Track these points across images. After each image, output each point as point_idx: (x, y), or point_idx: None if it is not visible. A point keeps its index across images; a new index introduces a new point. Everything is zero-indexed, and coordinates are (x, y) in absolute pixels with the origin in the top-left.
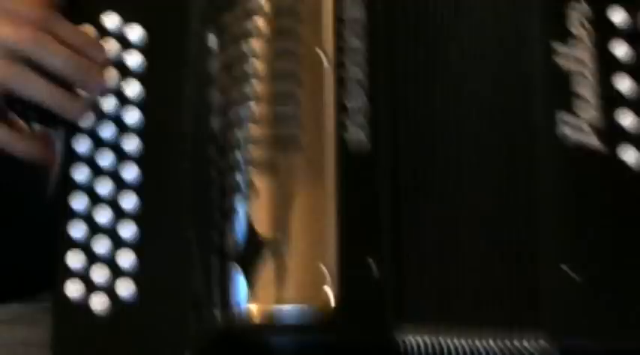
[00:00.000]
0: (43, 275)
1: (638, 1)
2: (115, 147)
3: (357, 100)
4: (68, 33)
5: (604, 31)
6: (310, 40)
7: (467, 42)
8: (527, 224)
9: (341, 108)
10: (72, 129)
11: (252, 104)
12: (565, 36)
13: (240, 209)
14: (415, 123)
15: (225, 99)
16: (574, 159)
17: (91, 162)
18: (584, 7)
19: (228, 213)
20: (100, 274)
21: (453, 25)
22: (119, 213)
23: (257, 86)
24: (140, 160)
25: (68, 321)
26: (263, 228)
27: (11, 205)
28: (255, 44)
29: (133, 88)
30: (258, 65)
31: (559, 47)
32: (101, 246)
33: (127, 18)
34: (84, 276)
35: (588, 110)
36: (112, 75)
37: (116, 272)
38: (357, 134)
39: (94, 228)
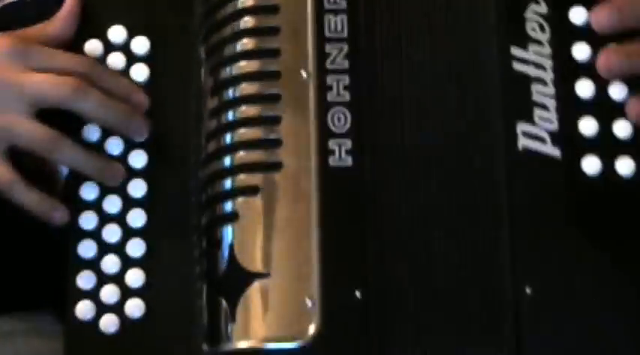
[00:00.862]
0: (44, 287)
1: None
2: (123, 164)
3: (342, 123)
4: (109, 80)
5: (565, 33)
6: (294, 61)
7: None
8: (493, 240)
9: (325, 132)
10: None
11: (240, 129)
12: (524, 40)
13: (225, 238)
14: (401, 147)
15: (213, 123)
16: (534, 171)
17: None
18: (544, 8)
19: (215, 243)
20: (109, 294)
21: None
22: (128, 231)
23: (242, 110)
24: (147, 176)
25: (79, 342)
26: (247, 259)
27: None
28: (241, 67)
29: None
30: (243, 88)
31: (518, 52)
32: (111, 264)
33: (134, 31)
34: (94, 297)
35: (548, 118)
36: None
37: (125, 291)
38: (342, 158)
39: (104, 247)
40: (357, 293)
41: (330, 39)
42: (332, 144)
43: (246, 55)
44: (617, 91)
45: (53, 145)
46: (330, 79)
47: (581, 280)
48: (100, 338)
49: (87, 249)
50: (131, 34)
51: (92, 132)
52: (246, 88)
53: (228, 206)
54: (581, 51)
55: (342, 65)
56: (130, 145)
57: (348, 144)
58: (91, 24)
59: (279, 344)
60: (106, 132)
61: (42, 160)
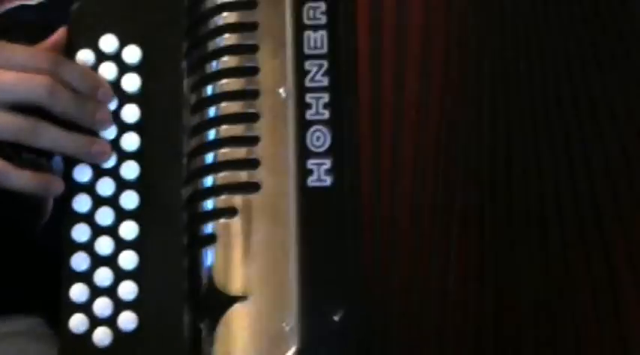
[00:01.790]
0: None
1: None
2: (115, 176)
3: (322, 142)
4: (76, 74)
5: None
6: (273, 79)
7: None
8: None
9: (304, 151)
10: (71, 160)
11: (217, 149)
12: None
13: (205, 260)
14: (382, 166)
15: (192, 141)
16: None
17: (91, 191)
18: None
19: (195, 264)
20: (102, 307)
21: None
22: (120, 243)
23: (220, 129)
24: (139, 187)
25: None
26: (225, 282)
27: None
28: (219, 85)
29: (131, 112)
30: (221, 107)
31: None
32: (104, 277)
33: (125, 40)
34: (87, 310)
35: None
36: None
37: (118, 304)
38: (321, 178)
39: (97, 259)
40: (336, 318)
41: (310, 56)
42: (310, 164)
43: (225, 73)
44: None
45: (34, 132)
46: (309, 97)
47: None
48: (94, 351)
49: (80, 261)
50: (123, 43)
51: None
52: (225, 107)
53: (207, 228)
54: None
55: (321, 82)
56: (121, 156)
57: (327, 163)
58: (82, 33)
59: None
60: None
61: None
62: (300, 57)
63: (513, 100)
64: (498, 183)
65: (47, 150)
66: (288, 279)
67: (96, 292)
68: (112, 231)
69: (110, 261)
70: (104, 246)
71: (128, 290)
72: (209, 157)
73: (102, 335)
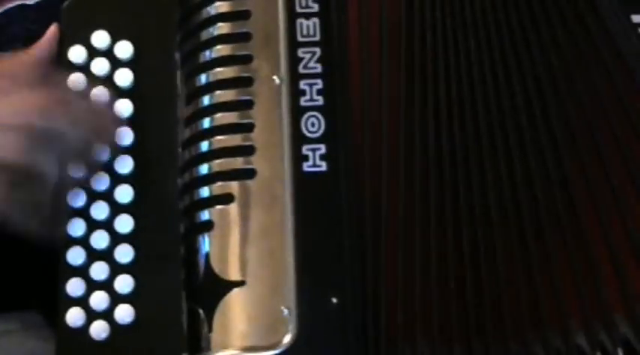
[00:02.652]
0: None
1: None
2: (110, 171)
3: (316, 128)
4: (74, 103)
5: None
6: (266, 66)
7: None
8: None
9: (299, 137)
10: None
11: (213, 137)
12: None
13: (202, 247)
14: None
15: (187, 130)
16: None
17: (86, 186)
18: None
19: (192, 252)
20: (99, 301)
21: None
22: (116, 237)
23: (216, 117)
24: (134, 181)
25: (71, 349)
26: (222, 268)
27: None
28: (213, 74)
29: (124, 106)
30: (216, 96)
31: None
32: (100, 271)
33: (117, 36)
34: (84, 304)
35: None
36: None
37: (115, 298)
38: (317, 164)
39: (92, 254)
40: (334, 300)
41: (303, 43)
42: (305, 149)
43: (219, 61)
44: None
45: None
46: (302, 84)
47: None
48: (91, 345)
49: (76, 256)
50: (114, 39)
51: None
52: (220, 95)
53: (204, 214)
54: None
55: (315, 69)
56: (116, 150)
57: (322, 149)
58: (73, 30)
59: (257, 353)
60: None
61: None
62: (293, 44)
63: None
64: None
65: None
66: (286, 264)
67: (92, 286)
68: (107, 225)
69: (106, 255)
70: (100, 240)
71: (124, 283)
72: (204, 145)
73: (99, 329)
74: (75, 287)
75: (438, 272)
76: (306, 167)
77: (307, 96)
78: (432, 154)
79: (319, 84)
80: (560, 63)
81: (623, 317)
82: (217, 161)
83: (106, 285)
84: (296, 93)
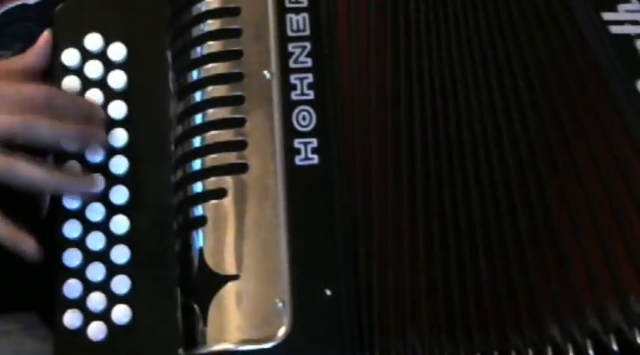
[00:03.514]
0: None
1: None
2: (104, 171)
3: (308, 122)
4: (63, 102)
5: None
6: (257, 61)
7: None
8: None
9: (291, 131)
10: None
11: (205, 132)
12: (612, 2)
13: (195, 243)
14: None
15: (180, 127)
16: None
17: None
18: None
19: (186, 247)
20: (96, 302)
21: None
22: (111, 239)
23: (207, 113)
24: (129, 182)
25: (69, 351)
26: (216, 263)
27: None
28: (204, 70)
29: (118, 108)
30: (207, 92)
31: (610, 16)
32: (96, 272)
33: (110, 38)
34: (81, 305)
35: None
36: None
37: (112, 298)
38: (309, 157)
39: (88, 255)
40: (328, 292)
41: (293, 38)
42: (297, 143)
43: (210, 58)
44: None
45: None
46: (293, 78)
47: None
48: (89, 346)
49: (72, 258)
50: (107, 42)
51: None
52: (211, 91)
53: (197, 210)
54: None
55: (305, 63)
56: (110, 151)
57: (314, 142)
58: (67, 33)
59: (252, 346)
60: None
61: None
62: (284, 39)
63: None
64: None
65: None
66: (279, 257)
67: (89, 287)
68: (102, 226)
69: (102, 256)
70: (95, 241)
71: (121, 284)
72: (197, 141)
73: (96, 330)
74: (72, 288)
75: (425, 265)
76: (298, 160)
77: (298, 91)
78: (418, 147)
79: (310, 78)
80: (534, 59)
81: (592, 310)
82: (210, 156)
83: (103, 286)
84: (287, 88)
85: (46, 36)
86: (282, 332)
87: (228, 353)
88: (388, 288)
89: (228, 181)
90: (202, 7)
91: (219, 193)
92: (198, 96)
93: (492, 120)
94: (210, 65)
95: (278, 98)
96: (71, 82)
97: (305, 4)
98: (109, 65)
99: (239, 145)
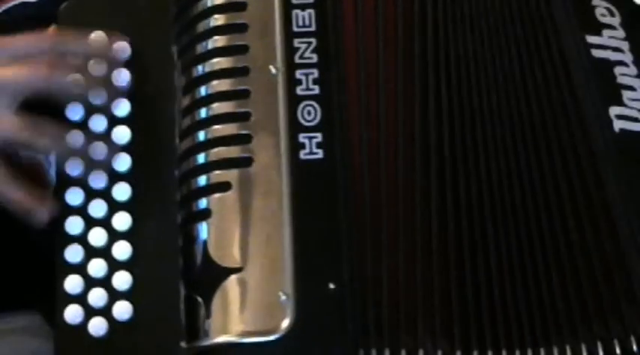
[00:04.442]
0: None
1: None
2: (108, 169)
3: (313, 117)
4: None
5: (634, 14)
6: (263, 56)
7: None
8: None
9: (296, 126)
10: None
11: (210, 126)
12: (597, 27)
13: (199, 235)
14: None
15: (185, 121)
16: (636, 151)
17: (84, 185)
18: None
19: (190, 240)
20: (97, 297)
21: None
22: (113, 234)
23: (213, 107)
24: (132, 179)
25: (70, 346)
26: (220, 255)
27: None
28: (210, 64)
29: (122, 106)
30: (213, 86)
31: (594, 39)
32: (97, 268)
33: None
34: (82, 300)
35: (637, 98)
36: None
37: (113, 294)
38: (313, 152)
39: (90, 251)
40: (331, 286)
41: (298, 33)
42: (302, 137)
43: (216, 52)
44: None
45: (34, 135)
46: (299, 73)
47: None
48: (90, 342)
49: (74, 253)
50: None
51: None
52: (217, 85)
53: (201, 203)
54: None
55: (310, 59)
56: (114, 150)
57: (318, 137)
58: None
59: (255, 338)
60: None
61: (31, 167)
62: (289, 35)
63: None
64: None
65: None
66: (283, 250)
67: (90, 283)
68: (105, 222)
69: (104, 252)
70: (97, 237)
71: (122, 280)
72: (202, 135)
73: (97, 326)
74: (73, 284)
75: (436, 260)
76: (303, 155)
77: (303, 86)
78: (426, 142)
79: (315, 73)
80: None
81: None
82: (215, 150)
83: (104, 282)
84: (292, 83)
85: (51, 31)
86: (285, 324)
87: (231, 345)
88: (397, 282)
89: (232, 174)
90: (208, 2)
91: (224, 186)
92: (203, 90)
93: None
94: (216, 59)
95: (283, 93)
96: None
97: (311, 0)
98: (113, 63)
99: (244, 139)
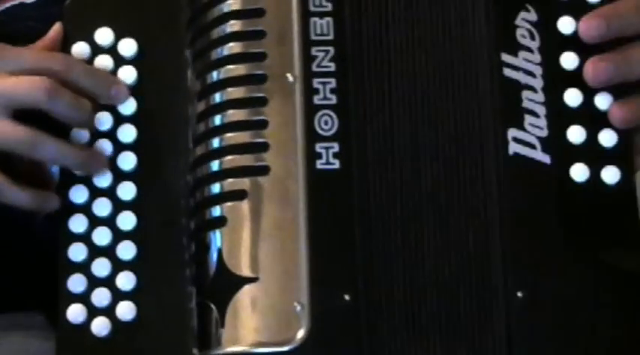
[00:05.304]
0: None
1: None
2: (113, 167)
3: (329, 126)
4: (85, 74)
5: (554, 41)
6: (280, 64)
7: (427, 60)
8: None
9: (312, 135)
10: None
11: (226, 133)
12: (515, 47)
13: (214, 243)
14: (387, 149)
15: (200, 127)
16: (525, 176)
17: (88, 183)
18: (534, 16)
19: (204, 247)
20: (101, 297)
21: (408, 41)
22: (118, 234)
23: (229, 114)
24: (137, 178)
25: (71, 345)
26: (235, 264)
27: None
28: (227, 71)
29: (127, 104)
30: (229, 93)
31: (509, 59)
32: (101, 268)
33: (121, 33)
34: (86, 300)
35: (538, 125)
36: None
37: (117, 294)
38: (330, 162)
39: (94, 250)
40: (346, 297)
41: (316, 42)
42: (319, 147)
43: (233, 59)
44: (602, 101)
45: (33, 144)
46: (316, 82)
47: (570, 284)
48: (92, 341)
49: (77, 252)
50: (118, 37)
51: (81, 134)
52: (233, 92)
53: (216, 210)
54: (569, 60)
55: (328, 68)
56: (119, 147)
57: (335, 147)
58: (77, 26)
59: (269, 348)
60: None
61: (32, 164)
62: (307, 43)
63: None
64: None
65: (45, 161)
66: (298, 260)
67: (94, 282)
68: (109, 221)
69: (108, 252)
70: (101, 236)
71: (126, 280)
72: (216, 142)
73: (100, 326)
74: (76, 283)
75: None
76: (319, 165)
77: (321, 95)
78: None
79: (332, 83)
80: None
81: None
82: (230, 157)
83: (108, 282)
84: (309, 92)
85: (57, 28)
86: (300, 335)
87: None
88: (410, 295)
89: (248, 183)
90: (225, 8)
91: (239, 194)
92: (218, 96)
93: None
94: (232, 66)
95: (300, 102)
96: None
97: (329, 9)
98: (119, 60)
99: (261, 147)
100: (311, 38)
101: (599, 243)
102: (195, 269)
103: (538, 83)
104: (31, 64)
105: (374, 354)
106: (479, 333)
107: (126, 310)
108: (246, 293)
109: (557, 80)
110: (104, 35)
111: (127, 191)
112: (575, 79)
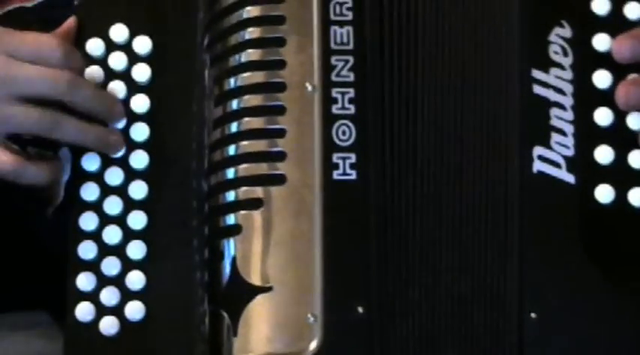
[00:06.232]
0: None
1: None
2: (124, 165)
3: (347, 137)
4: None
5: (588, 59)
6: (299, 73)
7: (448, 69)
8: (501, 261)
9: (330, 145)
10: (79, 149)
11: (243, 140)
12: (546, 63)
13: (228, 251)
14: (405, 162)
15: (217, 133)
16: (547, 195)
17: (99, 180)
18: (568, 32)
19: (217, 255)
20: (110, 296)
21: (435, 53)
22: (128, 233)
23: (246, 121)
24: (148, 177)
25: (79, 344)
26: (249, 273)
27: (11, 221)
28: (245, 78)
29: (141, 102)
30: (247, 100)
31: (539, 75)
32: (111, 266)
33: (136, 30)
34: (94, 298)
35: (565, 144)
36: (120, 89)
37: (126, 294)
38: (347, 172)
39: (104, 248)
40: (360, 309)
41: (336, 51)
42: (336, 157)
43: (251, 66)
44: (634, 122)
45: (54, 125)
46: (335, 92)
47: (586, 306)
48: (100, 340)
49: (87, 250)
50: (133, 34)
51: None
52: (251, 100)
53: (231, 218)
54: (602, 78)
55: (347, 78)
56: (131, 146)
57: (352, 158)
58: (92, 22)
59: None
60: None
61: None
62: (327, 52)
63: None
64: None
65: (66, 142)
66: (313, 271)
67: (103, 281)
68: (120, 220)
69: (118, 251)
70: (112, 235)
71: (136, 279)
72: (233, 149)
73: (108, 325)
74: (85, 281)
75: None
76: (336, 175)
77: (339, 105)
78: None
79: (351, 93)
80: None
81: None
82: (246, 165)
83: (117, 281)
84: (328, 101)
85: (70, 22)
86: (312, 346)
87: None
88: (424, 310)
89: (264, 192)
90: (244, 14)
91: (254, 203)
92: (236, 103)
93: None
94: (250, 73)
95: (319, 111)
96: (94, 72)
97: (350, 18)
98: (134, 58)
99: (278, 156)
100: (331, 47)
101: (622, 266)
102: (209, 275)
103: (568, 101)
104: (37, 89)
105: None
106: (491, 351)
107: (135, 310)
108: (259, 302)
109: (588, 98)
110: (119, 32)
111: (139, 190)
112: (607, 97)
